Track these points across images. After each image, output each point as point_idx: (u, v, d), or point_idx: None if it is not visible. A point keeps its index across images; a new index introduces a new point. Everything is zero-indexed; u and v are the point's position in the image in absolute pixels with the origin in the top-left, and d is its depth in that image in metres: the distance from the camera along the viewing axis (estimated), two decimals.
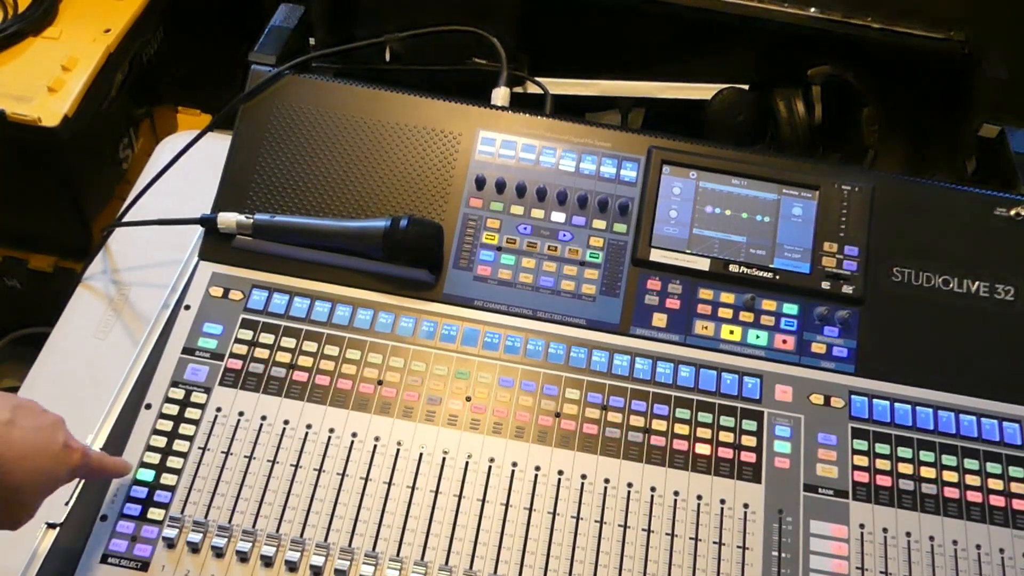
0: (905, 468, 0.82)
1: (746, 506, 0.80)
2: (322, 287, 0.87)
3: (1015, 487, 0.82)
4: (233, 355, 0.83)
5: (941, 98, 1.15)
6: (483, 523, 0.77)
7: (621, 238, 0.91)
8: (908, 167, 1.20)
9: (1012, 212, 0.92)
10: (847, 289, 0.89)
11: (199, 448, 0.78)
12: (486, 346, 0.86)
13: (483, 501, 0.78)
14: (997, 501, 0.81)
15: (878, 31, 1.10)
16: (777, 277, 0.90)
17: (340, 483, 0.78)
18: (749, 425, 0.84)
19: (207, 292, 0.86)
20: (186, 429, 0.79)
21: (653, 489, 0.80)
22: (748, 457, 0.82)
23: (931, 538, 0.79)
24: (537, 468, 0.80)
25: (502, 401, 0.83)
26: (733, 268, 0.90)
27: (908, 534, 0.80)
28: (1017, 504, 0.81)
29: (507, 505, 0.78)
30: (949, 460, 0.83)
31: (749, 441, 0.83)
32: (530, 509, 0.78)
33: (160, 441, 0.78)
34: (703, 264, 0.90)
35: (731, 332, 0.88)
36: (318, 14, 1.06)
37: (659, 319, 0.88)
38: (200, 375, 0.81)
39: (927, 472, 0.82)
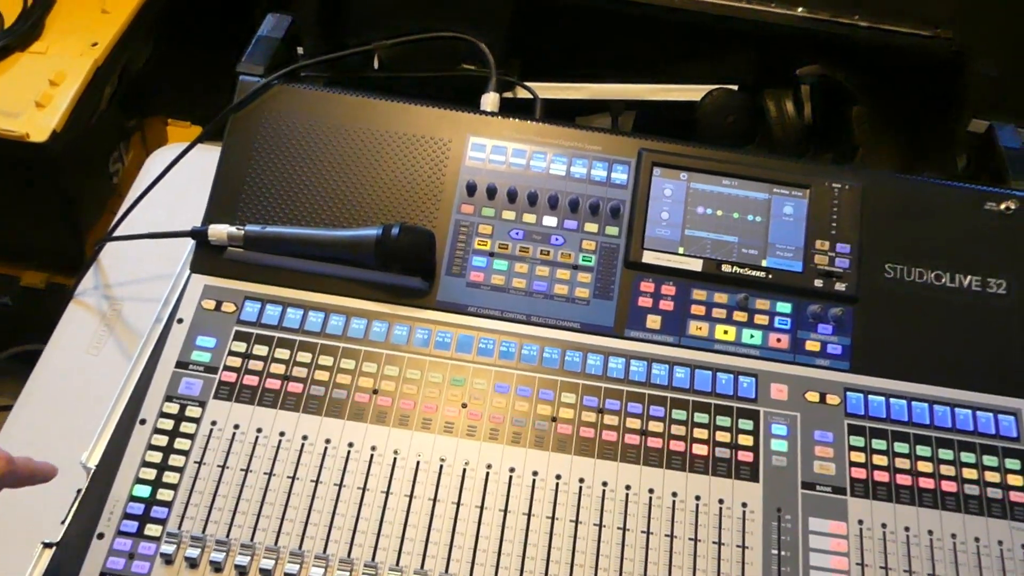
0: (902, 463, 0.83)
1: (744, 505, 0.80)
2: (315, 297, 0.87)
3: (1011, 479, 0.82)
4: (227, 368, 0.83)
5: (931, 95, 1.15)
6: (481, 529, 0.77)
7: (613, 241, 0.91)
8: (899, 164, 1.20)
9: (1002, 206, 0.92)
10: (840, 287, 0.89)
11: (195, 462, 0.78)
12: (481, 352, 0.86)
13: (481, 507, 0.78)
14: (994, 494, 0.82)
15: (866, 30, 1.10)
16: (770, 276, 0.90)
17: (337, 494, 0.77)
18: (746, 424, 0.84)
19: (200, 305, 0.86)
20: (181, 444, 0.79)
21: (651, 491, 0.80)
22: (745, 456, 0.82)
23: (930, 532, 0.80)
24: (535, 473, 0.80)
25: (498, 407, 0.83)
26: (726, 268, 0.90)
27: (907, 529, 0.80)
28: (1015, 496, 0.81)
29: (505, 511, 0.78)
30: (946, 454, 0.83)
31: (746, 440, 0.83)
32: (528, 514, 0.78)
33: (156, 456, 0.78)
34: (696, 265, 0.90)
35: (725, 332, 0.88)
36: (306, 23, 1.06)
37: (653, 321, 0.88)
38: (194, 389, 0.81)
39: (924, 467, 0.83)
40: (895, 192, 0.93)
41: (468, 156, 0.92)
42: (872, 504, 0.81)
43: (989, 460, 0.83)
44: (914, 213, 0.93)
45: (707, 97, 1.12)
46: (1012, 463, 0.83)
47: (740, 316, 0.89)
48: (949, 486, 0.82)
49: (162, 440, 0.79)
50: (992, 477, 0.82)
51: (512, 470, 0.80)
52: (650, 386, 0.85)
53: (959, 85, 1.10)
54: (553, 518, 0.78)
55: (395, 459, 0.80)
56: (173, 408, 0.80)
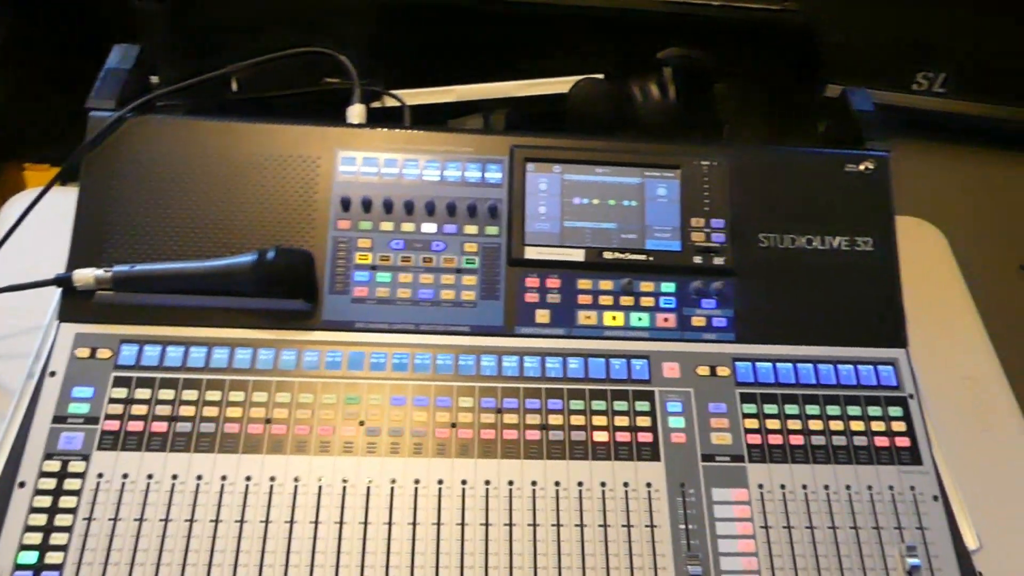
0: (794, 424, 0.85)
1: (649, 485, 0.81)
2: (196, 332, 0.84)
3: (895, 426, 0.86)
4: (109, 416, 0.79)
5: (786, 66, 1.19)
6: (392, 545, 0.76)
7: (494, 240, 0.91)
8: (764, 136, 1.24)
9: (861, 167, 0.96)
10: (718, 261, 0.92)
11: (84, 519, 0.74)
12: (373, 367, 0.85)
13: (389, 523, 0.77)
14: (882, 442, 0.85)
15: (718, 8, 1.14)
16: (651, 258, 0.91)
17: (239, 530, 0.75)
18: (642, 406, 0.85)
19: (73, 355, 0.82)
20: (67, 502, 0.75)
21: (557, 484, 0.80)
22: (645, 437, 0.84)
23: (826, 487, 0.82)
24: (440, 482, 0.79)
25: (396, 420, 0.82)
26: (607, 255, 0.91)
27: (804, 487, 0.82)
28: (899, 441, 0.85)
29: (414, 524, 0.77)
30: (833, 410, 0.86)
31: (644, 421, 0.84)
32: (437, 524, 0.77)
33: (40, 519, 0.74)
34: (578, 255, 0.91)
35: (614, 318, 0.89)
36: (157, 51, 1.02)
37: (542, 315, 0.89)
38: (75, 443, 0.78)
39: (815, 425, 0.85)
40: (761, 163, 0.96)
41: (339, 171, 0.91)
42: (770, 467, 0.83)
43: (873, 410, 0.87)
44: (780, 182, 0.96)
45: (574, 88, 1.14)
46: (895, 411, 0.87)
47: (626, 300, 0.90)
48: (840, 440, 0.85)
49: (45, 501, 0.75)
50: (878, 426, 0.86)
51: (417, 482, 0.79)
52: (545, 380, 0.86)
53: (811, 54, 1.14)
54: (463, 524, 0.78)
55: (296, 487, 0.78)
56: (54, 466, 0.77)
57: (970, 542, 0.82)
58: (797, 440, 0.84)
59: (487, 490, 0.79)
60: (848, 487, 0.83)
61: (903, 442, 0.85)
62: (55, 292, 0.85)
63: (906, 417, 0.87)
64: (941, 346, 1.03)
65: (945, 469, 0.86)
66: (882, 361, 0.90)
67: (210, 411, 0.80)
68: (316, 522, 0.76)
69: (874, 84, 1.12)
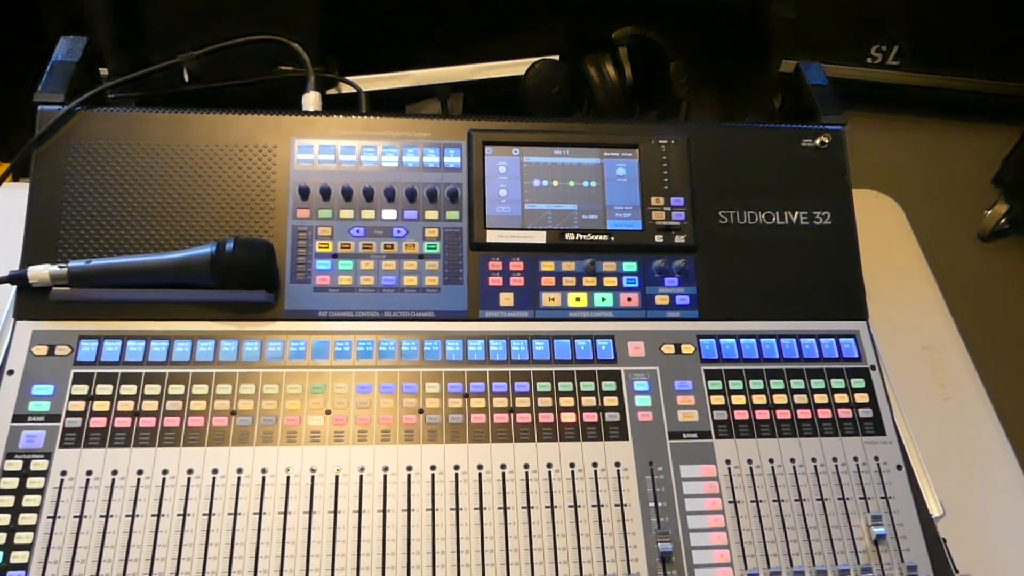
0: (759, 399, 0.86)
1: (618, 464, 0.82)
2: (156, 326, 0.83)
3: (858, 397, 0.87)
4: (70, 413, 0.78)
5: (740, 42, 1.20)
6: (363, 533, 0.76)
7: (455, 225, 0.90)
8: (722, 113, 1.25)
9: (817, 141, 0.97)
10: (679, 239, 0.92)
11: (48, 518, 0.73)
12: (338, 356, 0.84)
13: (359, 511, 0.77)
14: (845, 414, 0.86)
15: None
16: (612, 238, 0.92)
17: (208, 524, 0.75)
18: (608, 386, 0.85)
19: (30, 352, 0.80)
20: (31, 500, 0.74)
21: (527, 466, 0.81)
22: (612, 417, 0.84)
23: (792, 460, 0.83)
24: (409, 468, 0.79)
25: (363, 408, 0.82)
26: (569, 236, 0.91)
27: (771, 460, 0.83)
28: (862, 412, 0.86)
29: (384, 511, 0.77)
30: (797, 384, 0.87)
31: (611, 401, 0.85)
32: (408, 510, 0.77)
33: (3, 519, 0.73)
34: (539, 237, 0.91)
35: (577, 299, 0.90)
36: (104, 43, 1.00)
37: (506, 298, 0.89)
38: (37, 441, 0.77)
39: (779, 399, 0.86)
40: (718, 140, 0.96)
41: (296, 159, 0.90)
42: (736, 443, 0.84)
43: (836, 383, 0.88)
44: (738, 158, 0.96)
45: (530, 70, 1.13)
46: (857, 382, 0.88)
47: (589, 281, 0.90)
48: (804, 413, 0.86)
49: (8, 500, 0.74)
50: (841, 398, 0.87)
51: (386, 469, 0.79)
52: (511, 363, 0.86)
53: (764, 30, 1.15)
54: (433, 510, 0.78)
55: (264, 478, 0.77)
56: (16, 465, 0.75)
57: (934, 509, 0.84)
58: (763, 415, 0.85)
59: (456, 475, 0.79)
60: (814, 460, 0.84)
61: (866, 413, 0.87)
62: (10, 290, 0.84)
63: (868, 388, 0.88)
64: (901, 317, 1.04)
65: (908, 438, 0.87)
66: (843, 334, 0.91)
67: (174, 405, 0.80)
68: (285, 513, 0.76)
69: (829, 58, 1.13)
